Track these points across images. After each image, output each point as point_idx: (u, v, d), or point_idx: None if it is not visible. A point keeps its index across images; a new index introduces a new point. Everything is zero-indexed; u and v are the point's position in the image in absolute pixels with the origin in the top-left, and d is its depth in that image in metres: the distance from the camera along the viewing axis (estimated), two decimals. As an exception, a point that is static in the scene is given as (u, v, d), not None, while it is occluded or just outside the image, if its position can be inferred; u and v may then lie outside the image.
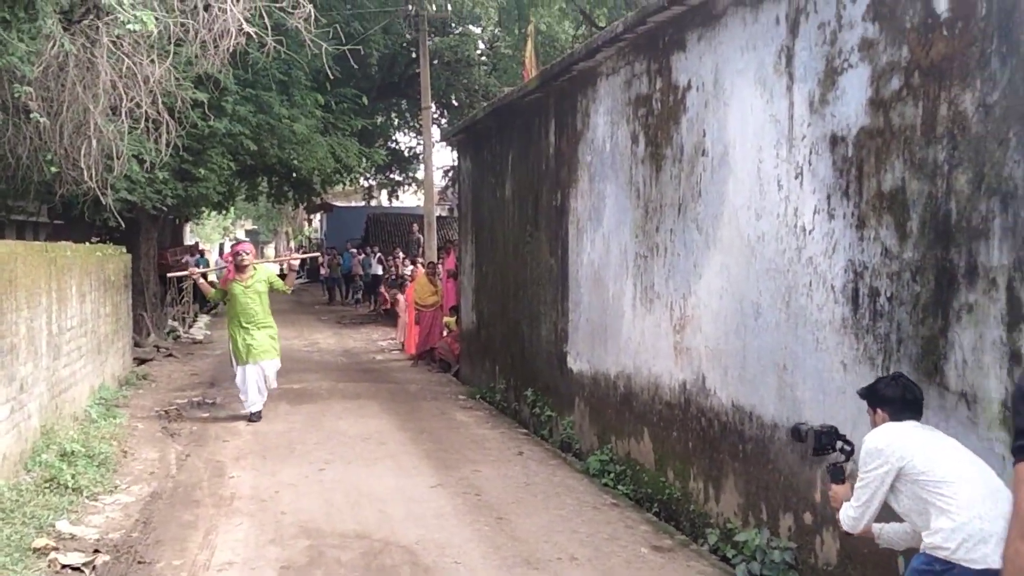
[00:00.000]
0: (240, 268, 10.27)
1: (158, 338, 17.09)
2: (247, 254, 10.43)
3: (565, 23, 21.45)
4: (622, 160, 7.63)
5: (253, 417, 10.18)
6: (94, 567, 5.52)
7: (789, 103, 5.25)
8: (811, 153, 5.04)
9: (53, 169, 10.76)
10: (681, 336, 6.65)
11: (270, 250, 65.41)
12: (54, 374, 8.48)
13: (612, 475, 7.71)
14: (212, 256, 39.75)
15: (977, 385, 3.88)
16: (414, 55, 24.66)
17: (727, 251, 5.97)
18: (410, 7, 21.42)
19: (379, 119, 28.98)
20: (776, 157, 5.38)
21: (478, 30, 26.88)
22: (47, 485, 6.89)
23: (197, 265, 29.32)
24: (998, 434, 3.76)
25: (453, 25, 26.27)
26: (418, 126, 28.77)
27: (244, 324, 10.23)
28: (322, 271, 33.91)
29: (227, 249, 52.95)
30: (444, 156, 49.51)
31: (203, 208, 22.68)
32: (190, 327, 20.69)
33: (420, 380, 13.81)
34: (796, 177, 5.18)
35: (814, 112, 5.02)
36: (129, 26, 8.95)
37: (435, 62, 24.93)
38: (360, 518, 6.56)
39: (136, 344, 15.29)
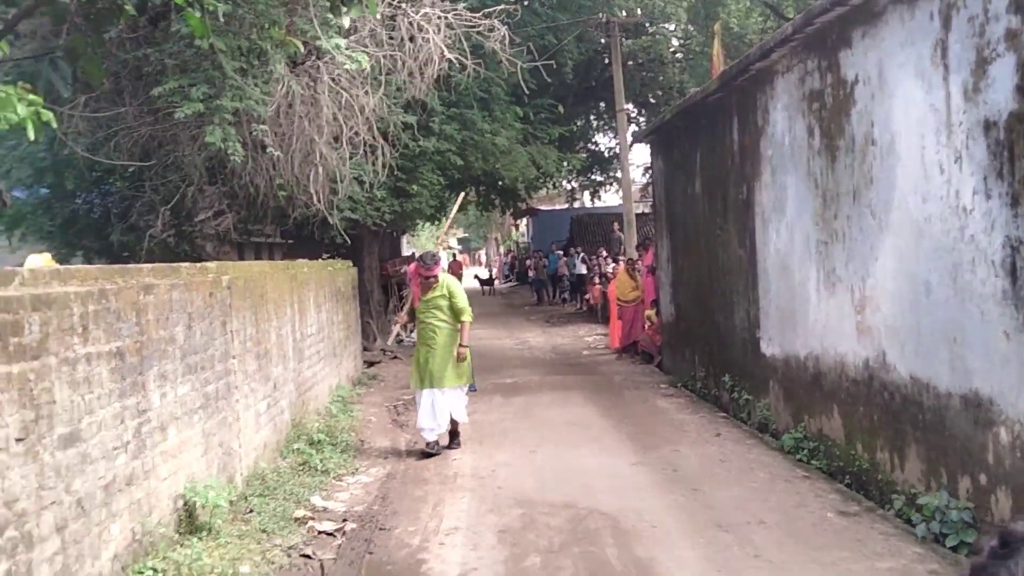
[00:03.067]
0: (424, 289, 9.14)
1: (383, 342, 18.65)
2: (435, 279, 9.12)
3: (754, 15, 21.51)
4: (800, 153, 8.04)
5: (429, 447, 8.93)
6: (344, 532, 6.58)
7: (946, 92, 5.59)
8: (967, 138, 5.37)
9: (284, 194, 12.21)
10: (862, 316, 7.02)
11: (482, 255, 67.92)
12: (299, 375, 9.78)
13: (805, 451, 8.12)
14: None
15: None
16: (607, 60, 25.33)
17: (898, 233, 6.33)
18: (601, 15, 22.14)
19: (577, 123, 29.88)
20: (937, 143, 5.72)
21: (671, 26, 27.25)
22: (300, 468, 8.10)
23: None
24: None
25: (646, 25, 26.77)
26: (616, 127, 29.45)
27: (425, 342, 9.08)
28: (530, 273, 35.24)
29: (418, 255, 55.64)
30: (643, 154, 49.92)
31: (418, 221, 24.33)
32: (411, 332, 22.23)
33: (623, 372, 14.50)
34: (955, 161, 5.52)
35: (968, 100, 5.36)
36: (347, 66, 10.19)
37: (629, 63, 25.52)
38: (566, 491, 7.35)
39: (365, 348, 16.83)
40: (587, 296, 25.28)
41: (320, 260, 13.81)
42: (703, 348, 11.88)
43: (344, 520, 6.83)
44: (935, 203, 5.80)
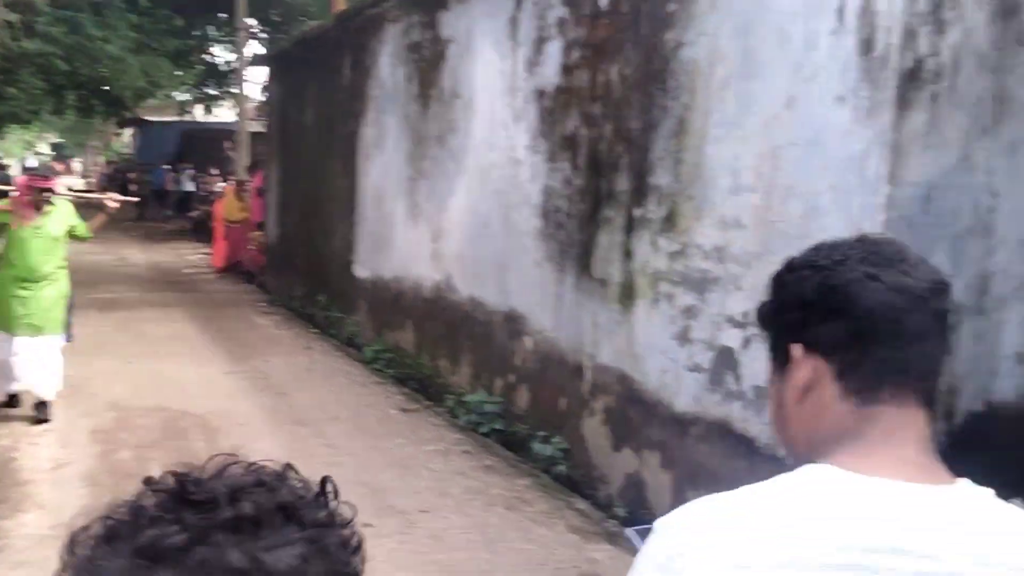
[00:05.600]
0: (37, 206, 7.07)
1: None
2: (51, 193, 7.20)
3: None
4: (400, 97, 8.98)
5: (11, 402, 7.28)
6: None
7: (513, 61, 6.75)
8: (525, 103, 6.57)
9: None
10: (437, 245, 8.14)
11: (77, 164, 62.79)
12: None
13: (383, 361, 9.17)
14: (15, 171, 38.36)
15: (608, 273, 5.54)
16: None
17: (470, 176, 7.48)
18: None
19: (196, 33, 28.87)
20: (503, 104, 6.89)
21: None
22: None
23: (3, 182, 28.69)
24: (614, 305, 5.45)
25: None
26: (236, 41, 28.88)
27: (22, 279, 7.05)
28: (131, 187, 33.61)
29: (29, 165, 50.48)
30: (262, 73, 49.01)
31: (10, 125, 22.42)
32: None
33: (225, 291, 14.82)
34: (515, 120, 6.71)
35: (528, 70, 6.54)
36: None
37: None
38: (161, 397, 7.75)
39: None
40: (193, 214, 24.87)
41: None
42: (303, 270, 12.60)
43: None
44: (498, 153, 6.98)
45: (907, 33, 3.63)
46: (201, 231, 22.40)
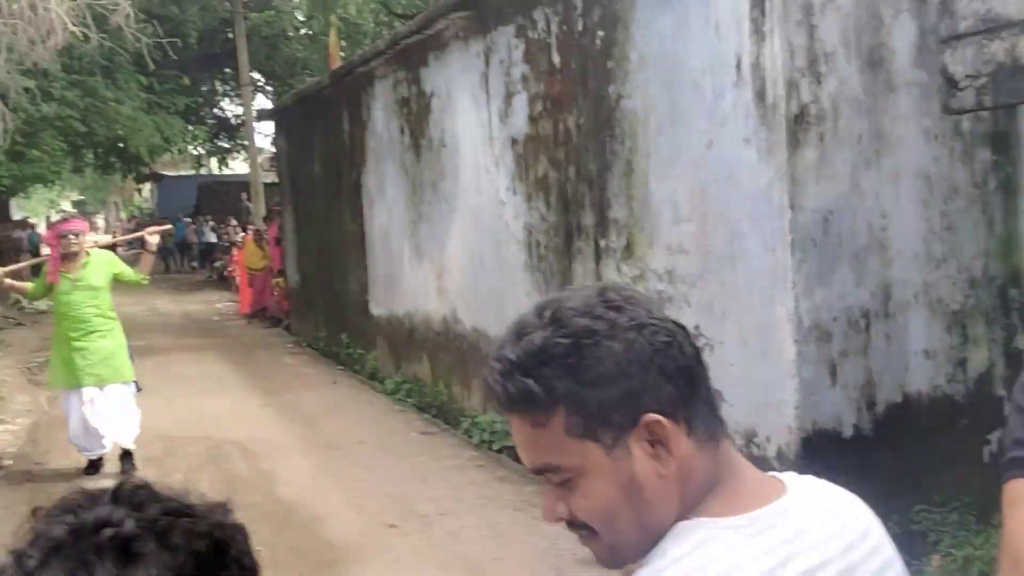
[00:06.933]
0: (68, 256, 7.04)
1: (5, 309, 18.24)
2: (76, 236, 7.09)
3: (366, 12, 23.21)
4: (395, 146, 9.80)
5: (89, 469, 7.30)
6: (2, 467, 7.42)
7: (488, 113, 7.55)
8: (502, 149, 7.37)
9: None
10: (440, 281, 8.93)
11: (100, 220, 64.35)
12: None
13: (403, 391, 9.95)
14: (41, 230, 39.72)
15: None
16: (230, 32, 25.87)
17: (463, 217, 8.27)
18: (224, -11, 22.73)
19: (203, 88, 29.99)
20: (484, 151, 7.68)
21: (296, 1, 28.21)
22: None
23: (29, 240, 29.85)
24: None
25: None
26: (242, 95, 29.96)
27: (71, 333, 7.03)
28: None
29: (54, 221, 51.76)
30: (270, 125, 50.17)
31: (36, 185, 23.58)
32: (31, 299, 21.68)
33: (254, 335, 15.73)
34: (496, 165, 7.51)
35: (502, 121, 7.34)
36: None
37: (253, 37, 26.23)
38: (202, 428, 8.61)
39: (-16, 318, 16.49)
40: (217, 264, 25.84)
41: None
42: (325, 311, 13.44)
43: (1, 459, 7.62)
44: (485, 195, 7.77)
45: (790, 84, 4.39)
46: (226, 280, 23.38)
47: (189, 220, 30.90)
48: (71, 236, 7.05)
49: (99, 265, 7.20)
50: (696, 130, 5.02)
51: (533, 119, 6.83)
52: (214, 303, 21.08)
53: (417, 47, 8.86)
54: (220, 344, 14.32)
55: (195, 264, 30.19)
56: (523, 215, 7.11)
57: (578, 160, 6.26)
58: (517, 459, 7.44)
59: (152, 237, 7.62)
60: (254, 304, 17.54)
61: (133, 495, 0.84)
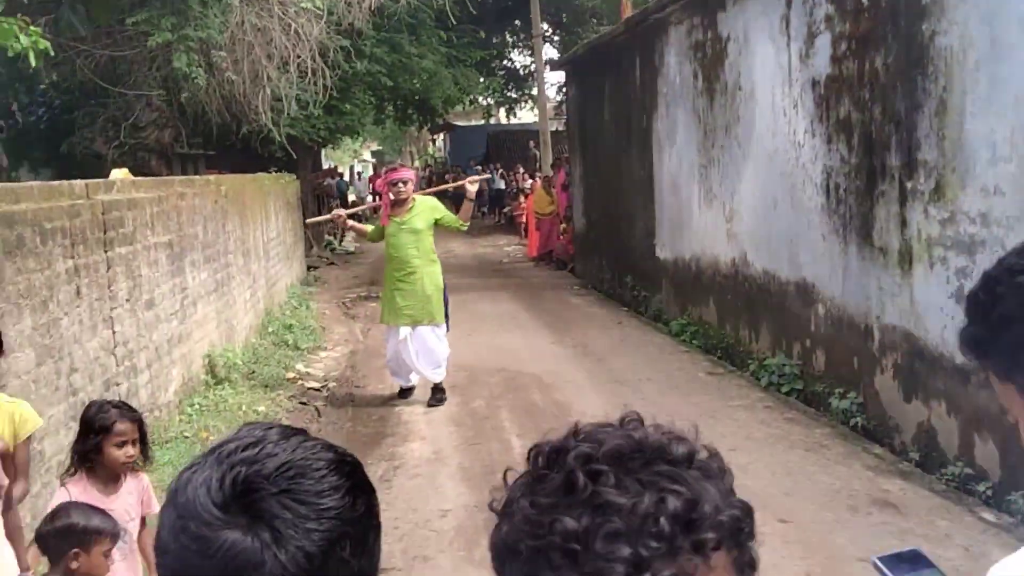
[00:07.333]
0: (398, 202, 7.73)
1: (319, 249, 20.22)
2: (404, 184, 7.74)
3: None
4: (687, 92, 9.88)
5: (401, 395, 8.03)
6: (328, 388, 8.38)
7: (788, 55, 7.46)
8: (801, 91, 7.27)
9: (233, 113, 13.50)
10: (730, 225, 8.98)
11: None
12: (268, 271, 11.41)
13: (688, 333, 10.14)
14: (346, 178, 43.26)
15: (887, 242, 6.18)
16: (525, -15, 26.64)
17: (756, 161, 8.26)
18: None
19: (495, 40, 31.21)
20: (782, 93, 7.61)
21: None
22: (279, 345, 9.82)
23: (338, 187, 32.64)
24: (895, 270, 6.08)
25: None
26: (531, 46, 30.89)
27: (395, 273, 7.74)
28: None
29: (357, 172, 55.90)
30: (558, 73, 51.22)
31: (345, 136, 25.71)
32: (341, 241, 23.81)
33: (541, 276, 16.46)
34: (794, 108, 7.43)
35: (802, 62, 7.24)
36: (303, 5, 11.57)
37: (545, -13, 26.90)
38: (499, 361, 9.26)
39: (305, 254, 18.40)
40: (506, 210, 27.03)
41: (271, 173, 15.19)
42: (610, 255, 13.83)
43: (325, 381, 8.61)
44: (780, 138, 7.71)
45: None
46: (514, 225, 24.46)
47: (480, 168, 32.40)
48: (400, 184, 7.72)
49: (423, 210, 7.79)
50: (1020, 65, 4.76)
51: (836, 59, 6.70)
52: (503, 246, 22.17)
53: (715, -10, 8.87)
54: (510, 285, 15.13)
55: (484, 210, 31.71)
56: (822, 157, 7.01)
57: (884, 100, 6.09)
58: (805, 402, 7.48)
59: (472, 186, 8.15)
60: (541, 248, 18.30)
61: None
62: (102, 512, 2.88)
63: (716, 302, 9.56)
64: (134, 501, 3.28)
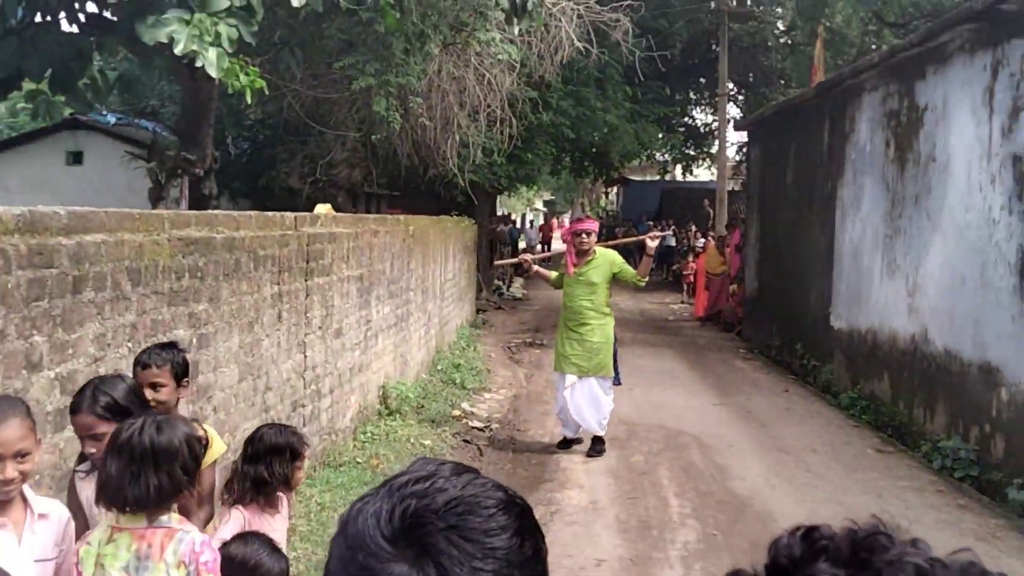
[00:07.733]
0: (580, 252, 7.82)
1: (488, 293, 20.71)
2: (588, 235, 7.84)
3: (855, 21, 22.67)
4: (877, 160, 9.67)
5: (562, 444, 7.99)
6: (490, 429, 8.59)
7: (989, 128, 7.23)
8: (1000, 166, 7.02)
9: (423, 156, 14.11)
10: (913, 299, 8.69)
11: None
12: (442, 311, 11.83)
13: (858, 407, 9.81)
14: (518, 225, 44.12)
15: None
16: (712, 46, 26.71)
17: (945, 234, 7.99)
18: (711, 3, 23.58)
19: (678, 97, 31.29)
20: (979, 167, 7.37)
21: (778, 9, 28.37)
22: (447, 383, 10.14)
23: (510, 234, 33.36)
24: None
25: (754, 10, 27.98)
26: (714, 105, 30.81)
27: (568, 322, 7.87)
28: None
29: (529, 220, 56.89)
30: (740, 133, 50.71)
31: (522, 184, 26.33)
32: (509, 286, 24.30)
33: (707, 336, 16.28)
34: (991, 183, 7.17)
35: (1004, 136, 7.00)
36: (499, 57, 12.03)
37: (733, 47, 26.84)
38: (660, 418, 9.24)
39: (475, 297, 18.90)
40: (675, 267, 26.88)
41: (452, 217, 15.72)
42: (780, 320, 13.57)
43: (488, 422, 8.84)
44: (974, 213, 7.45)
45: None
46: (680, 282, 24.30)
47: (652, 224, 32.39)
48: (583, 235, 7.83)
49: (603, 263, 7.85)
50: None
51: (1042, 136, 6.45)
52: (668, 304, 22.06)
53: (913, 59, 8.69)
54: (675, 343, 15.04)
55: (652, 266, 31.60)
56: (1017, 236, 6.73)
57: (1093, 181, 5.82)
58: (980, 490, 7.11)
59: (652, 241, 8.19)
60: (709, 307, 18.10)
61: None
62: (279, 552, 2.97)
63: (891, 377, 9.23)
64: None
